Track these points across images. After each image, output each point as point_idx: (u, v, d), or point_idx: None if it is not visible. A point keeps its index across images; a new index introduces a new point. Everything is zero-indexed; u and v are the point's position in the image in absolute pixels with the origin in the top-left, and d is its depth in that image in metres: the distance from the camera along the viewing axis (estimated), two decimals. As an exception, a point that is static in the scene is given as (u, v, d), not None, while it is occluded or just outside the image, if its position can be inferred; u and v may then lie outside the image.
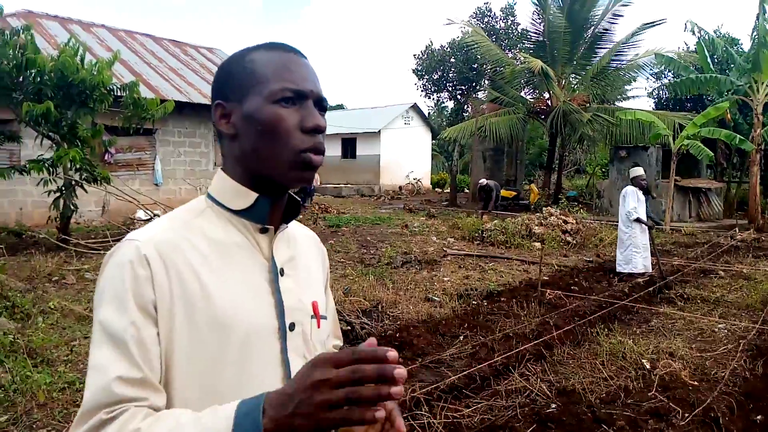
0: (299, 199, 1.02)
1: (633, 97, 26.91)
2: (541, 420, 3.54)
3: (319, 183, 22.71)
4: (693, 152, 15.40)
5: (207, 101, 13.42)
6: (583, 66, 21.64)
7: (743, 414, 3.70)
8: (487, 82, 31.65)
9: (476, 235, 11.86)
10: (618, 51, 20.94)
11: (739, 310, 6.42)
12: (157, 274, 0.84)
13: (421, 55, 36.34)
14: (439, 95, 37.84)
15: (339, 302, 5.91)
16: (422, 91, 37.55)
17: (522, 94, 23.75)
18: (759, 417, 3.66)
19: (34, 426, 3.27)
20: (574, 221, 12.21)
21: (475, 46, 22.53)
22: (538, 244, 10.41)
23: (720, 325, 5.76)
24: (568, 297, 6.75)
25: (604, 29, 21.25)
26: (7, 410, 3.40)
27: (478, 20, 33.46)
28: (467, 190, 25.82)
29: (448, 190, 24.18)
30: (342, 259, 9.05)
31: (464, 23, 23.66)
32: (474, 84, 35.36)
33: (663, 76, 28.00)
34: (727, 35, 24.55)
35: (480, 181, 18.87)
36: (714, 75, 16.56)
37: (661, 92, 26.28)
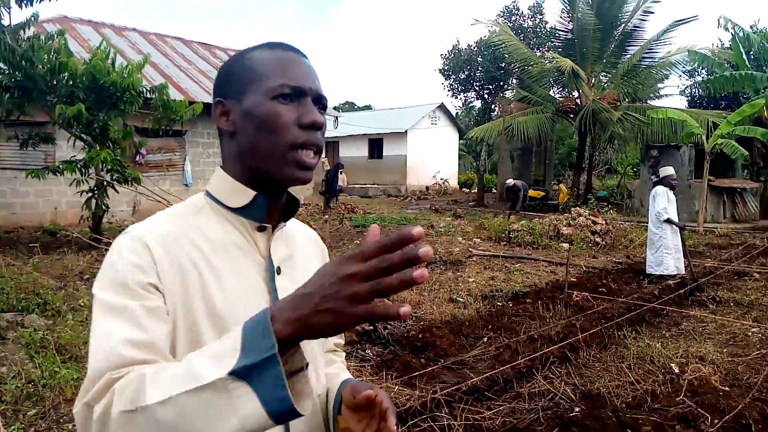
0: (298, 199, 1.01)
1: (666, 95, 26.29)
2: (564, 424, 3.47)
3: (346, 183, 22.82)
4: (727, 151, 15.00)
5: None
6: (614, 64, 21.26)
7: (776, 421, 3.58)
8: (514, 81, 31.40)
9: (503, 235, 11.75)
10: (649, 48, 20.51)
11: (775, 314, 6.23)
12: (160, 261, 0.84)
13: (447, 55, 36.27)
14: (466, 95, 37.67)
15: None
16: (449, 90, 37.48)
17: (550, 92, 23.46)
18: (793, 424, 3.54)
19: (61, 420, 3.35)
20: (604, 222, 12.00)
21: (502, 45, 22.33)
22: (566, 245, 10.27)
23: (753, 329, 5.59)
24: (595, 299, 6.63)
25: (634, 26, 20.84)
26: (36, 404, 3.49)
27: (505, 19, 33.22)
28: (495, 190, 25.63)
29: (476, 191, 24.03)
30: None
31: (491, 22, 23.49)
32: (501, 83, 35.11)
33: (696, 73, 27.36)
34: (764, 31, 23.86)
35: (507, 181, 18.71)
36: (750, 72, 16.08)
37: (694, 90, 25.69)
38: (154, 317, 0.80)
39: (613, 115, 18.43)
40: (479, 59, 34.57)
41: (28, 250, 8.51)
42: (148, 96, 9.62)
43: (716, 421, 3.49)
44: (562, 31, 22.32)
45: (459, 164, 34.08)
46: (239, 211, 0.94)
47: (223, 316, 0.86)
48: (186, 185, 14.39)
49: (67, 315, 5.14)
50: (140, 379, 0.70)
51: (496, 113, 32.88)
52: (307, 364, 0.74)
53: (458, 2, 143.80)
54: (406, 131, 28.97)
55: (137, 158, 13.13)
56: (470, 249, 10.12)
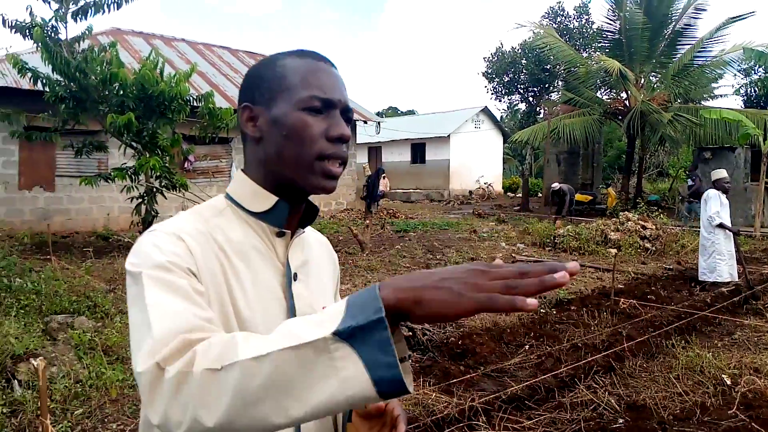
0: (317, 207, 1.02)
1: (720, 95, 25.20)
2: (608, 435, 3.37)
3: (388, 188, 22.84)
4: (786, 152, 14.31)
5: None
6: (664, 64, 20.58)
7: (838, 438, 3.37)
8: (560, 83, 30.85)
9: (548, 241, 11.53)
10: (702, 47, 19.74)
11: (838, 324, 5.89)
12: (195, 254, 0.83)
13: (491, 58, 35.94)
14: (510, 98, 37.25)
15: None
16: (493, 93, 37.11)
17: (597, 94, 22.91)
18: None
19: (106, 420, 3.45)
20: (654, 227, 11.62)
21: (547, 48, 21.95)
22: (613, 251, 9.98)
23: (814, 340, 5.30)
24: (643, 306, 6.41)
25: (686, 25, 20.12)
26: (83, 404, 3.61)
27: (550, 20, 32.71)
28: (540, 195, 25.19)
29: (520, 195, 23.68)
30: (407, 265, 9.04)
31: (535, 25, 23.14)
32: (546, 85, 34.58)
33: (752, 72, 26.23)
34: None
35: (552, 185, 18.38)
36: (811, 69, 15.34)
37: (750, 89, 24.63)
38: (205, 300, 0.80)
39: (664, 116, 17.85)
40: (523, 61, 34.15)
41: (81, 254, 8.87)
42: (195, 104, 9.88)
43: (771, 436, 3.32)
44: (609, 31, 21.76)
45: (504, 168, 33.66)
46: (260, 215, 0.94)
47: (244, 318, 0.86)
48: (232, 191, 14.68)
49: (115, 317, 5.31)
50: (230, 339, 0.66)
51: (541, 116, 32.36)
52: (409, 356, 0.70)
53: (502, 4, 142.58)
54: (448, 135, 28.81)
55: (185, 165, 13.50)
56: (514, 255, 9.97)
